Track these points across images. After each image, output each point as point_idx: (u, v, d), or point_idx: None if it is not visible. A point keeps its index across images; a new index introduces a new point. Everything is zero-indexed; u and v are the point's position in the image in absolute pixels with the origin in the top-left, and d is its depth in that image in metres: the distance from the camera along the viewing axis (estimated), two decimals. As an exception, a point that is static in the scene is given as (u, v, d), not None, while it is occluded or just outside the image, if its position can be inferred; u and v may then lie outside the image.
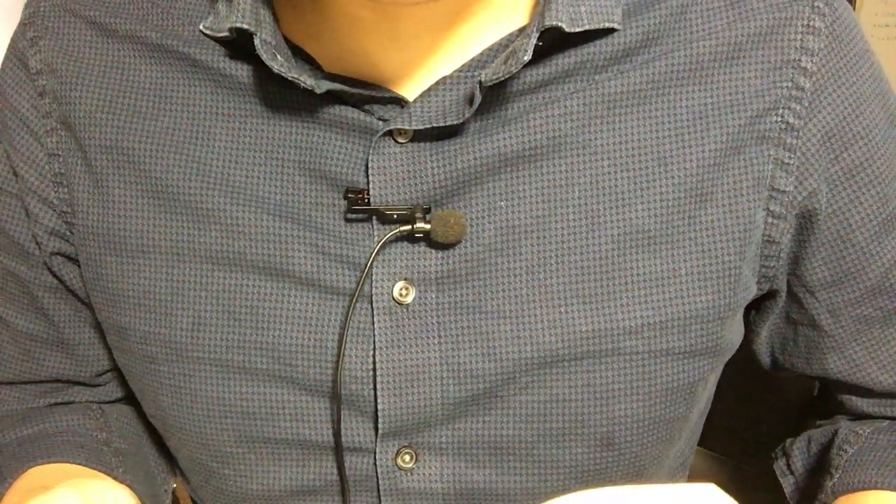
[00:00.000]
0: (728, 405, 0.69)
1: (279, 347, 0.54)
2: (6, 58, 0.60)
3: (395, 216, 0.52)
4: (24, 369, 0.63)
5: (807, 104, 0.53)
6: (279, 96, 0.54)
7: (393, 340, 0.53)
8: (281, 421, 0.55)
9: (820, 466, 0.62)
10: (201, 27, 0.55)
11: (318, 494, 0.57)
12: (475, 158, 0.52)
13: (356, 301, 0.53)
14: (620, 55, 0.53)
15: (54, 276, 0.60)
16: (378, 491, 0.56)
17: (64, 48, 0.57)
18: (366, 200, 0.53)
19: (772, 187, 0.54)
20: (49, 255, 0.59)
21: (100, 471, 0.59)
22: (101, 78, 0.57)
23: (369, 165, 0.52)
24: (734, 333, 0.58)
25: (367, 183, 0.53)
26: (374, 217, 0.53)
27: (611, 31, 0.52)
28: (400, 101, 0.52)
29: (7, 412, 0.64)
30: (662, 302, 0.53)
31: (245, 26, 0.50)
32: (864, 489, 0.56)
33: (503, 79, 0.49)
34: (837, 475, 0.58)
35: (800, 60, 0.53)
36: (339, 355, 0.53)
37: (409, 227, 0.52)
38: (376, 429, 0.54)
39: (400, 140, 0.52)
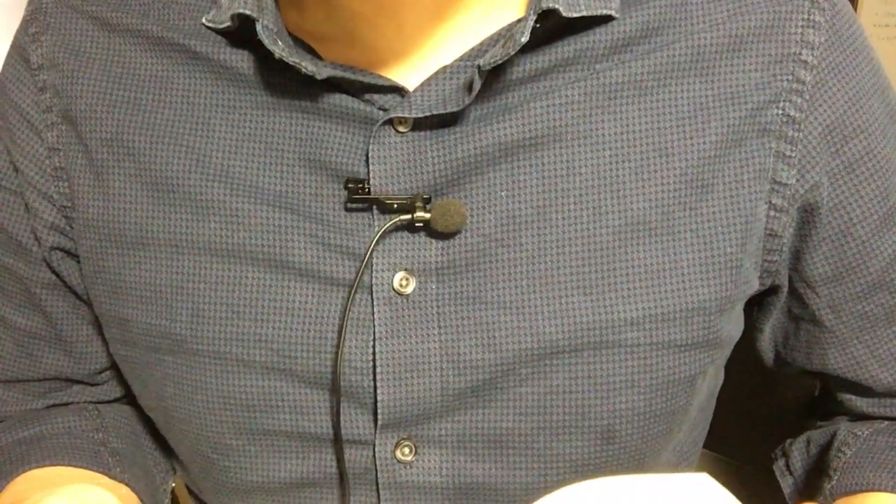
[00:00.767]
0: (728, 405, 0.68)
1: (278, 339, 0.54)
2: (8, 54, 0.61)
3: (396, 206, 0.52)
4: (22, 367, 0.63)
5: (808, 97, 0.53)
6: (279, 87, 0.54)
7: (393, 331, 0.53)
8: (280, 413, 0.55)
9: (819, 468, 0.62)
10: (203, 20, 0.55)
11: (318, 487, 0.57)
12: (475, 147, 0.52)
13: (356, 292, 0.53)
14: (620, 45, 0.53)
15: (53, 272, 0.60)
16: (377, 484, 0.56)
17: (66, 43, 0.58)
18: (366, 190, 0.53)
19: (773, 180, 0.54)
20: (48, 249, 0.59)
21: (97, 471, 0.59)
22: (101, 71, 0.57)
23: (369, 155, 0.52)
24: (734, 326, 0.57)
25: (368, 173, 0.53)
26: (375, 207, 0.53)
27: (609, 19, 0.52)
28: (400, 91, 0.53)
29: (5, 414, 0.64)
30: (663, 293, 0.53)
31: (248, 12, 0.51)
32: (862, 491, 0.56)
33: (501, 62, 0.49)
34: (836, 477, 0.58)
35: (800, 54, 0.53)
36: (338, 346, 0.53)
37: (409, 216, 0.52)
38: (376, 421, 0.54)
39: (400, 129, 0.52)
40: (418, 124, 0.52)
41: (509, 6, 0.54)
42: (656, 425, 0.55)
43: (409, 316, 0.53)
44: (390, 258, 0.53)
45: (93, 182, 0.57)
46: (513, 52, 0.49)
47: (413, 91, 0.52)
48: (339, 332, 0.53)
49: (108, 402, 0.66)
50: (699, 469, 0.51)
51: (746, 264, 0.55)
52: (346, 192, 0.53)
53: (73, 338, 0.62)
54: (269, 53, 0.51)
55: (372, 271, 0.53)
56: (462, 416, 0.54)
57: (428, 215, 0.52)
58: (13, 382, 0.64)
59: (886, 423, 0.61)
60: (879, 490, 0.55)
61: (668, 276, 0.53)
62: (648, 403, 0.54)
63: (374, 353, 0.53)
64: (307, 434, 0.55)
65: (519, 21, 0.53)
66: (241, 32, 0.54)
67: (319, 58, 0.54)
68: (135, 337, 0.57)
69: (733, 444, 0.90)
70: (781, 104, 0.53)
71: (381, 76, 0.53)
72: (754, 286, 0.57)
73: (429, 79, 0.52)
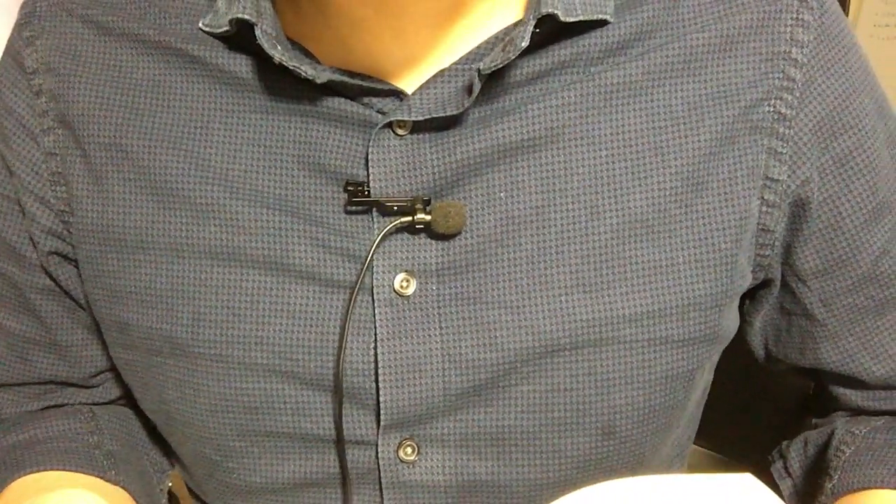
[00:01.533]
0: (727, 405, 0.69)
1: (279, 342, 0.54)
2: (2, 58, 0.60)
3: (396, 208, 0.53)
4: (17, 370, 0.63)
5: (798, 94, 0.54)
6: (278, 91, 0.54)
7: (394, 332, 0.54)
8: (282, 415, 0.55)
9: (818, 468, 0.62)
10: (200, 24, 0.55)
11: (321, 487, 0.57)
12: (474, 149, 0.53)
13: (357, 294, 0.53)
14: (615, 48, 0.53)
15: (49, 277, 0.60)
16: (380, 484, 0.56)
17: (61, 47, 0.57)
18: (366, 193, 0.53)
19: (766, 176, 0.55)
20: (45, 254, 0.59)
21: (91, 474, 0.59)
22: (98, 75, 0.57)
23: (369, 158, 0.53)
24: (731, 321, 0.58)
25: (367, 175, 0.53)
26: (375, 209, 0.53)
27: (604, 23, 0.53)
28: (398, 94, 0.53)
29: (1, 417, 0.64)
30: (661, 290, 0.54)
31: (246, 17, 0.51)
32: (863, 489, 0.57)
33: (501, 66, 0.50)
34: (836, 476, 0.58)
35: (790, 52, 0.54)
36: (340, 348, 0.53)
37: (409, 218, 0.52)
38: (378, 422, 0.55)
39: (399, 132, 0.53)
40: (417, 127, 0.53)
41: (506, 9, 0.54)
42: (656, 420, 0.56)
43: (410, 317, 0.54)
44: (391, 260, 0.54)
45: (91, 186, 0.57)
46: (513, 57, 0.49)
47: (412, 94, 0.53)
48: (341, 334, 0.53)
49: (104, 404, 0.66)
50: (696, 468, 0.51)
51: (741, 259, 0.55)
52: (345, 194, 0.53)
53: (67, 342, 0.62)
54: (268, 57, 0.51)
55: (373, 273, 0.54)
56: (464, 415, 0.55)
57: (428, 217, 0.52)
58: (8, 386, 0.63)
59: (883, 420, 0.62)
60: (881, 486, 0.56)
61: (665, 273, 0.54)
62: (648, 399, 0.55)
63: (375, 355, 0.54)
64: (309, 435, 0.55)
65: (517, 24, 0.54)
66: (239, 37, 0.54)
67: (318, 61, 0.54)
68: (135, 341, 0.57)
69: (733, 444, 0.90)
70: (772, 102, 0.54)
71: (379, 80, 0.53)
72: (748, 281, 0.58)
73: (427, 82, 0.53)
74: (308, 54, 0.54)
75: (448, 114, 0.52)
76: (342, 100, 0.53)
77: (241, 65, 0.54)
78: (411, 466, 0.56)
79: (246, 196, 0.54)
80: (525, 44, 0.49)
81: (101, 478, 0.59)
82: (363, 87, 0.52)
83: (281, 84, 0.54)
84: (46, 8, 0.58)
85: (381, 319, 0.53)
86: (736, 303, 0.58)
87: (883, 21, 1.11)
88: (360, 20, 0.52)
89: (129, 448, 0.64)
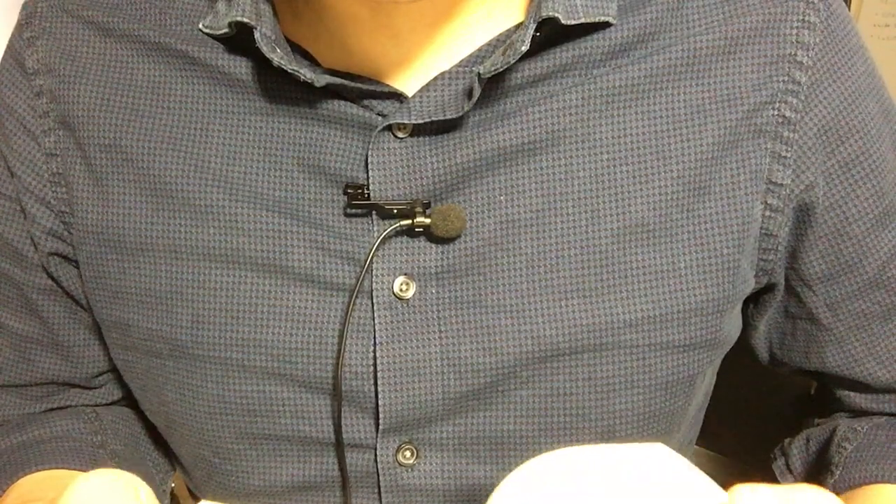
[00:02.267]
0: (728, 405, 0.69)
1: (278, 345, 0.54)
2: (3, 59, 0.60)
3: (395, 211, 0.52)
4: (19, 371, 0.63)
5: (803, 98, 0.54)
6: (277, 93, 0.54)
7: (393, 336, 0.53)
8: (281, 418, 0.55)
9: (820, 465, 0.62)
10: (200, 26, 0.55)
11: (320, 490, 0.57)
12: (474, 152, 0.52)
13: (356, 297, 0.53)
14: (617, 50, 0.53)
15: (50, 277, 0.60)
16: (379, 488, 0.56)
17: (61, 48, 0.57)
18: (365, 195, 0.53)
19: (769, 180, 0.54)
20: (46, 255, 0.59)
21: None
22: (99, 76, 0.57)
23: (369, 160, 0.53)
24: (732, 326, 0.58)
25: (367, 178, 0.53)
26: (374, 212, 0.53)
27: (606, 25, 0.53)
28: (398, 97, 0.53)
29: (3, 418, 0.64)
30: (662, 295, 0.53)
31: (245, 20, 0.51)
32: (865, 484, 0.57)
33: (501, 69, 0.49)
34: (839, 472, 0.58)
35: (795, 55, 0.53)
36: (339, 351, 0.53)
37: (408, 221, 0.52)
38: (377, 425, 0.54)
39: (399, 135, 0.53)
40: (417, 130, 0.52)
41: (507, 11, 0.54)
42: (656, 425, 0.56)
43: (409, 320, 0.53)
44: (390, 263, 0.53)
45: (92, 188, 0.57)
46: (513, 61, 0.49)
47: (412, 97, 0.52)
48: (340, 338, 0.53)
49: (106, 405, 0.66)
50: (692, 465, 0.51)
51: (743, 264, 0.55)
52: (345, 197, 0.53)
53: (69, 342, 0.62)
54: (267, 60, 0.51)
55: (372, 276, 0.53)
56: (463, 419, 0.54)
57: (428, 220, 0.52)
58: (10, 387, 0.64)
59: (885, 418, 0.61)
60: (883, 482, 0.56)
61: (666, 278, 0.53)
62: (648, 404, 0.55)
63: (374, 358, 0.53)
64: (308, 438, 0.55)
65: (517, 27, 0.53)
66: (239, 38, 0.54)
67: (317, 64, 0.54)
68: (135, 342, 0.57)
69: (733, 444, 0.90)
70: (777, 105, 0.54)
71: (379, 82, 0.53)
72: (751, 285, 0.57)
73: (427, 85, 0.52)
74: (308, 56, 0.54)
75: (448, 117, 0.51)
76: (342, 102, 0.53)
77: (241, 67, 0.54)
78: (410, 470, 0.55)
79: (245, 198, 0.54)
80: (525, 48, 0.49)
81: None
82: (363, 89, 0.52)
83: (281, 86, 0.54)
84: (47, 9, 0.58)
85: (380, 323, 0.53)
86: (738, 307, 0.58)
87: (883, 21, 1.11)
88: (355, 20, 0.52)
89: (132, 448, 0.64)
